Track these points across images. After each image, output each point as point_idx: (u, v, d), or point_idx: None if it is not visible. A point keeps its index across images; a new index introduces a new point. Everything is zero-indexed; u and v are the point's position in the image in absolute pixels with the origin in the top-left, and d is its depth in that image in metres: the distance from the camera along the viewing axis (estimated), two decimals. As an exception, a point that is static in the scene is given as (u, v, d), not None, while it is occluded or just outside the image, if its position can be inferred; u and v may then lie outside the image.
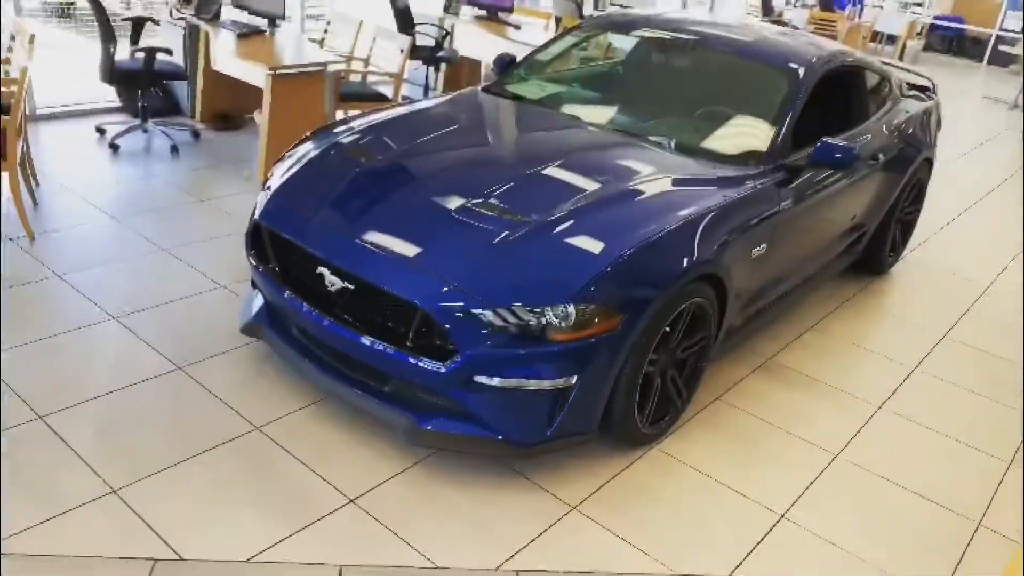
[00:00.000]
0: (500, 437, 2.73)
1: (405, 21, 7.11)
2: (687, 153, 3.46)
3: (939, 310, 4.66)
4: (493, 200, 2.93)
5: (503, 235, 2.75)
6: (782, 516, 2.88)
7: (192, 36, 5.96)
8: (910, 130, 4.66)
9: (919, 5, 16.31)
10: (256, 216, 3.12)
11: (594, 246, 2.74)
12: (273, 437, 2.94)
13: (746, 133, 3.59)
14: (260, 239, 3.14)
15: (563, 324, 2.60)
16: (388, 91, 5.94)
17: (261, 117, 5.23)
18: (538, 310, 2.59)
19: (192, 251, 4.23)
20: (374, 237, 2.81)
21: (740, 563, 2.65)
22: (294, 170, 3.22)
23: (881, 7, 15.20)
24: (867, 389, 3.75)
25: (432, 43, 7.18)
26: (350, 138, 3.42)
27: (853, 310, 4.54)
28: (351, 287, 2.79)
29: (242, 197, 4.99)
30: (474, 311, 2.59)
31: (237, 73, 5.55)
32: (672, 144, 3.52)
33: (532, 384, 2.65)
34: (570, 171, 3.18)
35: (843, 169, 3.57)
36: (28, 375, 3.10)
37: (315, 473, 2.79)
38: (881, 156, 4.28)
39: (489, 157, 3.48)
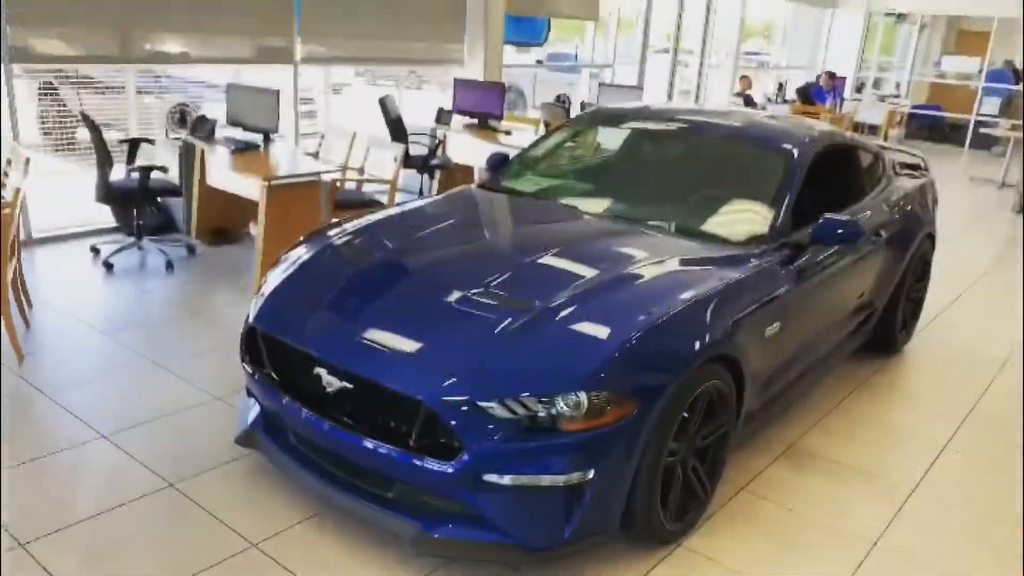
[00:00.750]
0: (514, 541, 2.53)
1: (398, 132, 7.24)
2: (688, 237, 3.40)
3: (959, 387, 4.51)
4: (493, 289, 2.84)
5: (505, 324, 2.64)
6: (825, 614, 2.65)
7: (187, 154, 6.02)
8: (908, 207, 4.64)
9: (897, 96, 16.83)
10: (250, 319, 3.02)
11: (601, 331, 2.63)
12: (271, 554, 2.73)
13: (746, 214, 3.55)
14: (255, 344, 3.02)
15: (575, 413, 2.46)
16: (384, 199, 5.96)
17: (257, 228, 5.22)
18: (547, 400, 2.46)
19: (184, 364, 4.10)
20: (372, 334, 2.70)
21: (786, 670, 2.41)
22: (288, 273, 3.15)
23: (859, 99, 15.68)
24: (897, 472, 3.55)
25: (425, 152, 7.29)
26: (344, 239, 3.36)
27: (871, 392, 4.38)
28: (349, 387, 2.66)
29: (237, 309, 4.89)
30: (480, 404, 2.45)
31: (232, 187, 5.59)
32: (672, 228, 3.47)
33: (546, 480, 2.48)
34: (570, 258, 3.11)
35: (848, 244, 3.51)
36: (10, 500, 2.91)
37: (316, 592, 2.58)
38: (883, 233, 4.24)
39: (486, 249, 3.42)
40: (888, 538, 3.07)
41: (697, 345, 2.74)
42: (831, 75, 13.82)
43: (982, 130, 14.06)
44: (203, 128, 6.06)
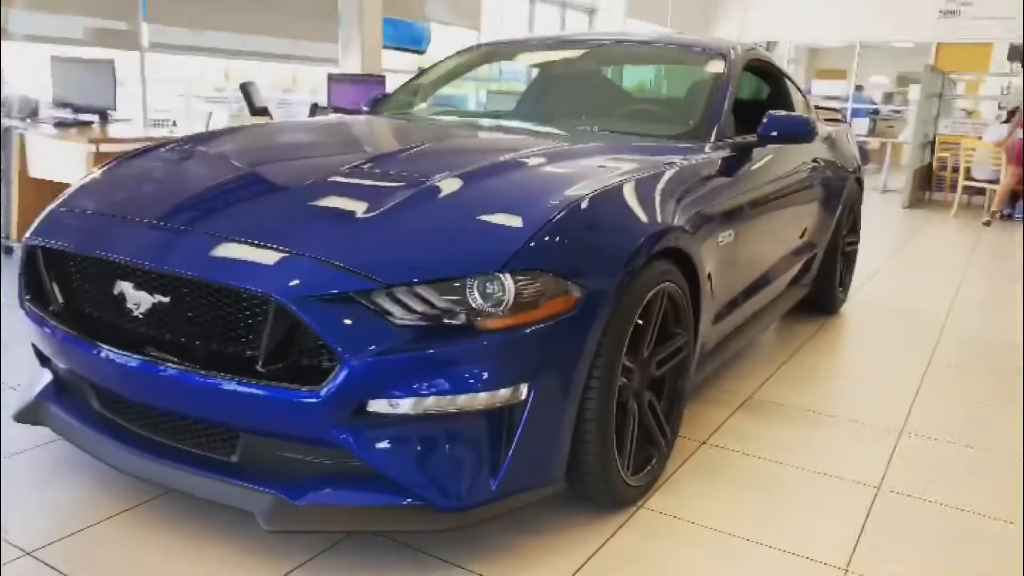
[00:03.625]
0: (418, 501, 1.74)
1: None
2: (615, 135, 2.77)
3: (911, 338, 4.03)
4: (366, 168, 2.10)
5: (388, 197, 1.90)
6: (847, 571, 1.97)
7: (2, 141, 4.99)
8: (838, 145, 4.21)
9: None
10: (27, 236, 2.13)
11: (523, 201, 1.93)
12: (51, 563, 1.82)
13: (682, 116, 2.96)
14: (37, 273, 2.14)
15: (496, 305, 1.72)
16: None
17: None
18: (458, 285, 1.71)
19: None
20: (198, 223, 1.89)
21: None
22: (86, 181, 2.30)
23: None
24: (877, 415, 2.97)
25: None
26: (167, 147, 2.54)
27: (821, 345, 3.84)
28: (165, 300, 1.83)
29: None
30: (359, 296, 1.68)
31: (54, 171, 4.62)
32: (595, 129, 2.84)
33: (461, 402, 1.71)
34: (465, 145, 2.41)
35: (798, 141, 2.94)
36: None
37: (120, 607, 1.70)
38: (820, 162, 3.76)
39: (354, 146, 2.62)
40: (891, 481, 2.45)
41: (646, 223, 2.07)
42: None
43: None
44: (22, 110, 5.06)
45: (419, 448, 1.73)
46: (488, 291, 1.72)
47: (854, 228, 4.62)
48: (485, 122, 3.05)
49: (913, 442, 2.75)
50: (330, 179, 2.04)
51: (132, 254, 1.85)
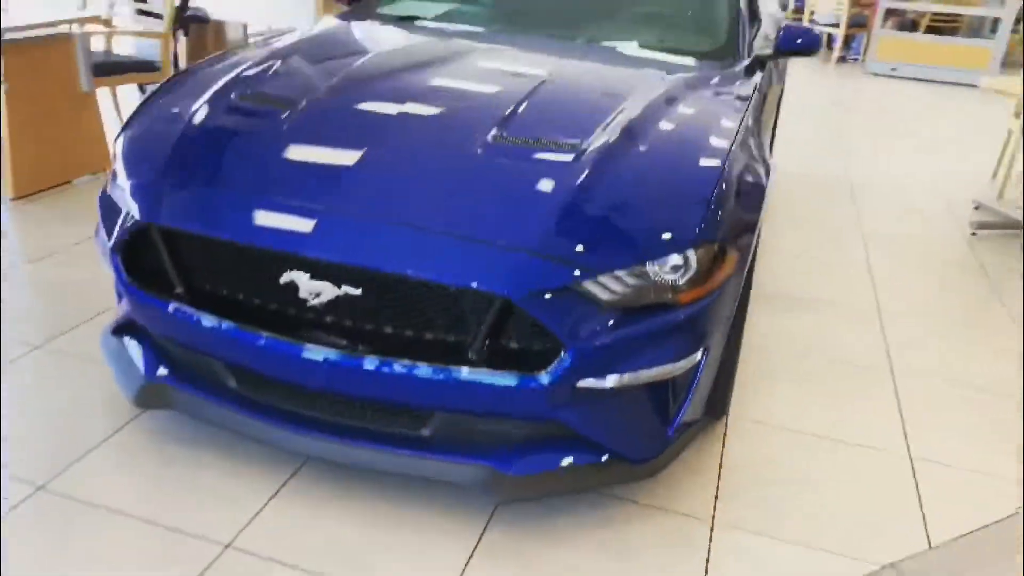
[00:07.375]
0: (615, 457, 1.93)
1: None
2: (661, 53, 2.80)
3: (831, 210, 4.55)
4: (515, 131, 2.05)
5: (568, 173, 1.90)
6: (911, 458, 2.41)
7: None
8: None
9: None
10: (136, 216, 1.93)
11: (686, 169, 2.01)
12: (255, 551, 1.85)
13: (706, 27, 3.02)
14: (145, 255, 1.96)
15: (684, 278, 1.85)
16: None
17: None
18: (653, 266, 1.82)
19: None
20: (375, 205, 1.82)
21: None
22: (179, 135, 2.06)
23: None
24: (852, 298, 3.43)
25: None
26: (254, 71, 2.31)
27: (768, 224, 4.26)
28: (355, 292, 1.79)
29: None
30: (574, 285, 1.74)
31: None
32: (636, 46, 2.84)
33: (657, 372, 1.87)
34: (571, 88, 2.37)
35: (810, 53, 3.12)
36: None
37: (359, 589, 1.79)
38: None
39: (458, 82, 2.47)
40: (897, 365, 2.92)
41: (764, 173, 2.23)
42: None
43: None
44: None
45: (617, 413, 1.89)
46: (679, 268, 1.84)
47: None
48: (520, 31, 2.93)
49: (896, 323, 3.23)
50: (498, 137, 1.98)
51: (313, 246, 1.76)
